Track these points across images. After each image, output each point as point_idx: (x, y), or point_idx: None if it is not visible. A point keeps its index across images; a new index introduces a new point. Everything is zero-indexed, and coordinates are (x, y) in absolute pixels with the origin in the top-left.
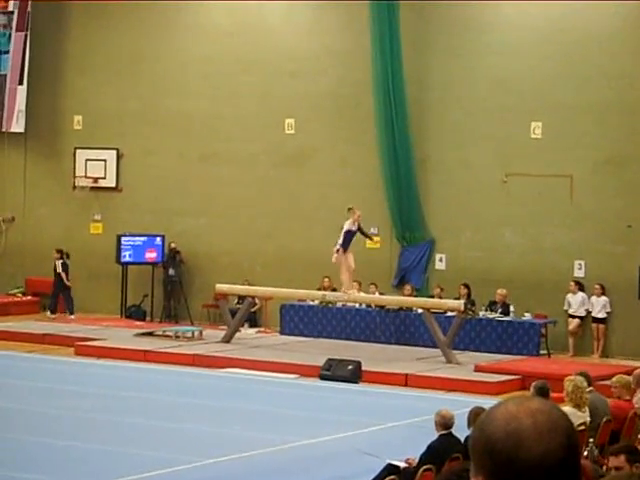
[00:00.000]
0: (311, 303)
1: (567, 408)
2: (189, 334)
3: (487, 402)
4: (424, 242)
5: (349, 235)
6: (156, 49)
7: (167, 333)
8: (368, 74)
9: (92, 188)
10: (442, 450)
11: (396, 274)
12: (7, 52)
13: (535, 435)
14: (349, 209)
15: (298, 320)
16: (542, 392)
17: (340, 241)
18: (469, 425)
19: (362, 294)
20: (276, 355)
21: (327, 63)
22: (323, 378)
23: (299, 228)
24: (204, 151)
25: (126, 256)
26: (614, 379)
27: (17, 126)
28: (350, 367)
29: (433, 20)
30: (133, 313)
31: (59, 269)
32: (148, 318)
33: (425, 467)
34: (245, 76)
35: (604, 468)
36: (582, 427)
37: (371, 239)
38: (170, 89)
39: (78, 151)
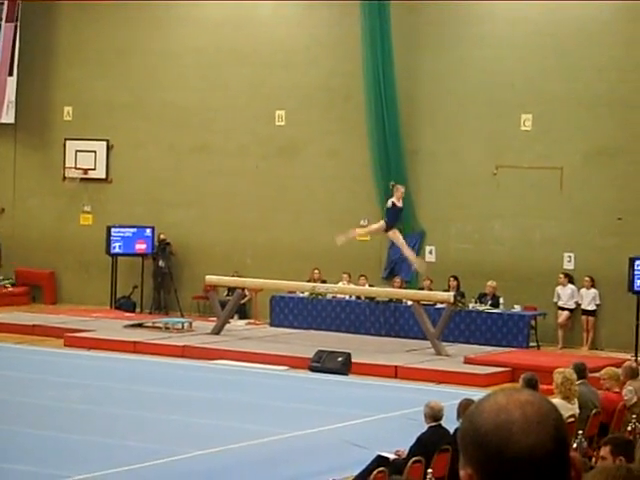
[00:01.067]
0: (301, 295)
1: (556, 400)
2: (179, 325)
3: (476, 394)
4: (414, 234)
5: (395, 211)
6: (147, 41)
7: (157, 324)
8: (359, 66)
9: (82, 179)
10: (431, 442)
11: (386, 266)
12: None
13: (524, 427)
14: (392, 186)
15: (288, 312)
16: (531, 384)
17: (386, 218)
18: (458, 417)
19: (351, 286)
20: (266, 347)
21: (318, 55)
22: (313, 370)
23: (289, 220)
24: (194, 143)
25: (116, 247)
26: (603, 371)
27: (7, 117)
28: (340, 359)
29: (424, 12)
30: (123, 304)
31: None
32: (138, 309)
33: (415, 459)
34: (236, 68)
35: (593, 460)
36: (571, 419)
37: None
38: (161, 81)
39: (68, 142)
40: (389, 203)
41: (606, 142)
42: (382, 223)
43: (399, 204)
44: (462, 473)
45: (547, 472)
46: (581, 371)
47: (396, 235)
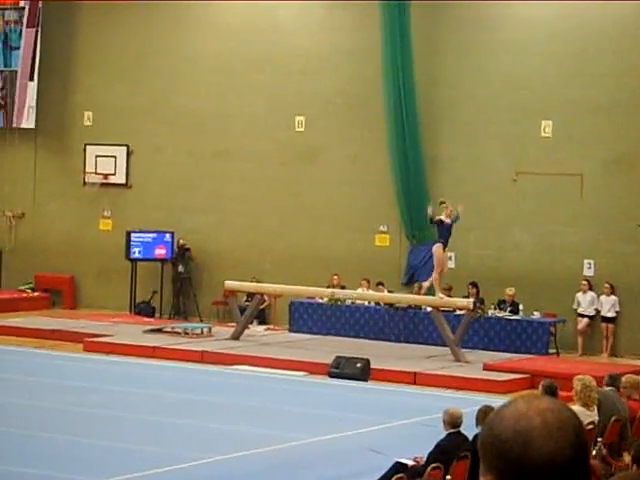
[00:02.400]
0: (320, 300)
1: (576, 407)
2: (198, 331)
3: (496, 401)
4: (433, 240)
5: (446, 227)
6: (166, 46)
7: (176, 330)
8: (379, 72)
9: (102, 184)
10: (450, 449)
11: (405, 272)
12: (18, 48)
13: (544, 434)
14: (441, 203)
15: (307, 317)
16: (551, 391)
17: (442, 239)
18: (478, 424)
19: (371, 292)
20: (285, 352)
21: (338, 61)
22: (332, 376)
23: (308, 226)
24: (214, 148)
25: (135, 252)
26: (624, 379)
27: (27, 122)
28: (359, 365)
29: (444, 18)
30: (142, 309)
31: None
32: (157, 315)
33: (433, 465)
34: (255, 74)
35: (612, 467)
36: (590, 426)
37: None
38: (180, 86)
39: (88, 147)
40: (436, 219)
41: (626, 149)
42: (439, 245)
43: (447, 221)
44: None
45: (568, 478)
46: (614, 380)
47: (440, 250)
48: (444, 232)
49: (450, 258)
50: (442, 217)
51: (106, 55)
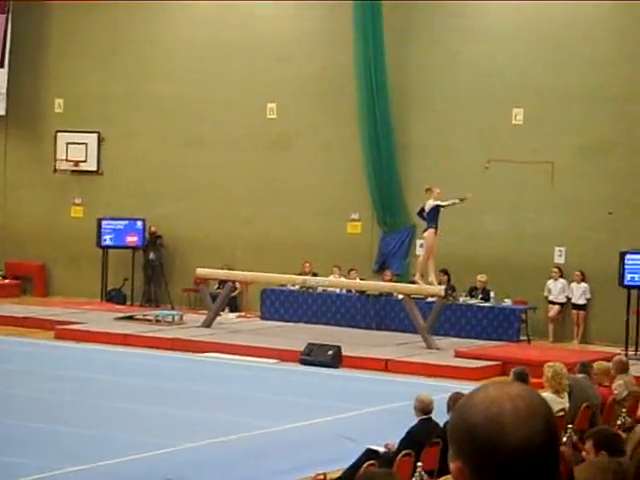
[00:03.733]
0: (292, 288)
1: (547, 394)
2: (169, 318)
3: (467, 387)
4: (405, 228)
5: (437, 211)
6: (139, 33)
7: (147, 317)
8: (351, 59)
9: (73, 171)
10: (421, 435)
11: (377, 259)
12: None
13: (515, 420)
14: (427, 190)
15: (279, 305)
16: (521, 378)
17: (432, 224)
18: (449, 410)
19: (342, 279)
20: (256, 340)
21: (310, 48)
22: (303, 363)
23: (280, 212)
24: (186, 135)
25: (107, 240)
26: (595, 366)
27: None
28: (330, 352)
29: (416, 6)
30: (113, 297)
31: None
32: (128, 302)
33: (404, 452)
34: (228, 61)
35: (583, 453)
36: (561, 413)
37: (462, 201)
38: (153, 73)
39: (59, 134)
40: (427, 206)
41: (598, 136)
42: (431, 232)
43: (436, 203)
44: (452, 466)
45: (538, 464)
46: (585, 367)
47: (431, 236)
48: (436, 217)
49: (421, 246)
50: (439, 202)
51: (77, 42)
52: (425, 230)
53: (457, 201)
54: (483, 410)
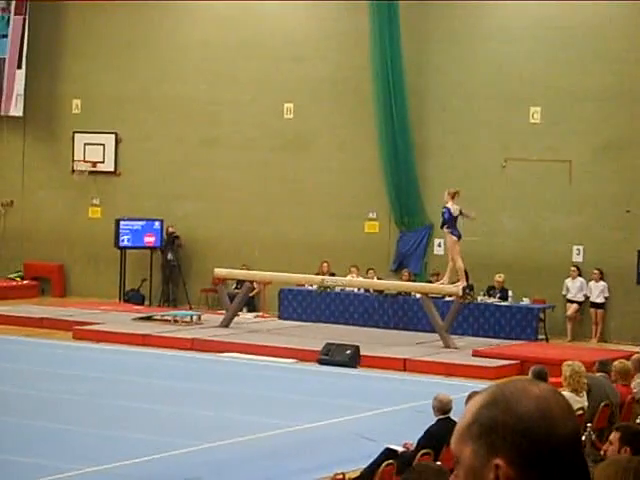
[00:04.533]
0: (309, 287)
1: (565, 393)
2: (187, 318)
3: (485, 387)
4: (423, 227)
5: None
6: (155, 33)
7: (165, 317)
8: (367, 59)
9: (90, 172)
10: (440, 434)
11: (395, 259)
12: (6, 36)
13: (562, 414)
14: (456, 193)
15: (297, 305)
16: (540, 377)
17: (457, 232)
18: None
19: (360, 279)
20: (274, 340)
21: (326, 48)
22: (321, 363)
23: (298, 213)
24: (203, 136)
25: (125, 240)
26: (614, 364)
27: (15, 110)
28: (348, 352)
29: (433, 5)
30: (132, 297)
31: None
32: (147, 302)
33: (423, 451)
34: (244, 61)
35: (602, 452)
36: (580, 412)
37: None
38: (169, 73)
39: (76, 135)
40: (454, 211)
41: (615, 135)
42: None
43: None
44: (483, 463)
45: (581, 456)
46: (604, 366)
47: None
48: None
49: (439, 245)
50: (459, 208)
51: (94, 43)
52: (456, 236)
53: (471, 215)
54: (534, 405)
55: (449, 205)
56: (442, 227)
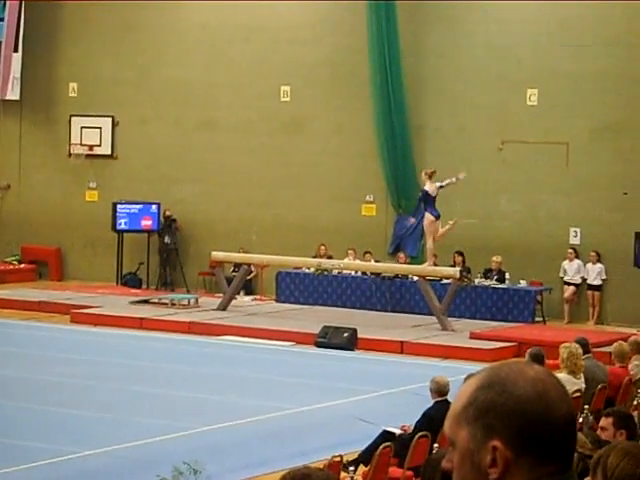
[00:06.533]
0: (307, 271)
1: (562, 375)
2: (185, 302)
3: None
4: (419, 210)
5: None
6: (152, 17)
7: (163, 301)
8: (364, 42)
9: (87, 156)
10: (437, 417)
11: (392, 242)
12: (2, 19)
13: (559, 395)
14: (433, 172)
15: (294, 288)
16: (537, 359)
17: (435, 212)
18: None
19: (357, 261)
20: (272, 323)
21: (323, 30)
22: (319, 345)
23: (295, 196)
24: (200, 119)
25: (122, 224)
26: (613, 346)
27: (12, 93)
28: (346, 334)
29: None
30: (129, 281)
31: None
32: (144, 286)
33: (420, 434)
34: (241, 44)
35: (598, 431)
36: (577, 394)
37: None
38: (166, 57)
39: (73, 118)
40: (431, 191)
41: (612, 117)
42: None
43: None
44: (480, 447)
45: (575, 437)
46: (584, 346)
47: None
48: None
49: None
50: (439, 183)
51: (91, 26)
52: (434, 215)
53: (454, 180)
54: (531, 386)
55: (427, 187)
56: (425, 209)
